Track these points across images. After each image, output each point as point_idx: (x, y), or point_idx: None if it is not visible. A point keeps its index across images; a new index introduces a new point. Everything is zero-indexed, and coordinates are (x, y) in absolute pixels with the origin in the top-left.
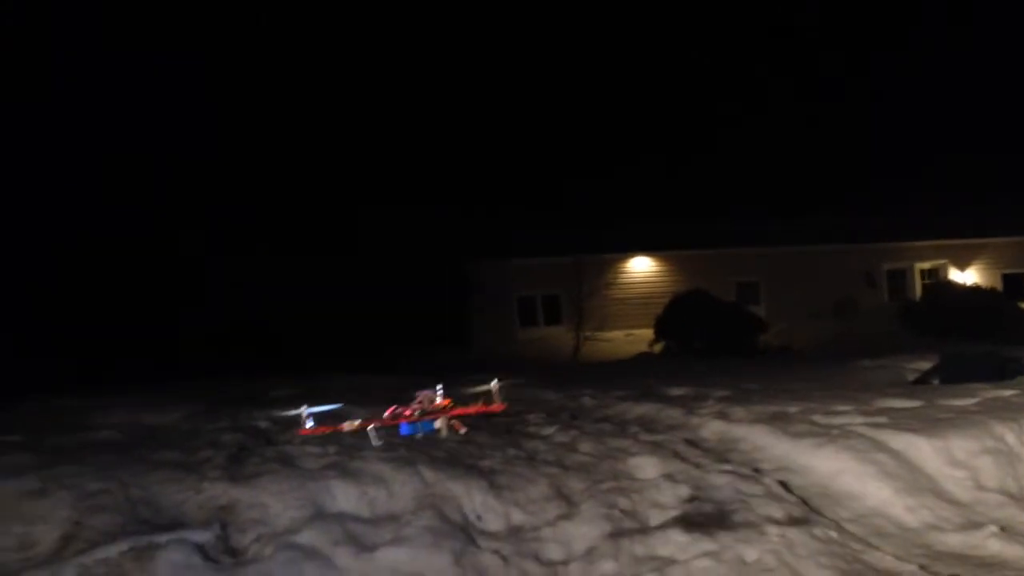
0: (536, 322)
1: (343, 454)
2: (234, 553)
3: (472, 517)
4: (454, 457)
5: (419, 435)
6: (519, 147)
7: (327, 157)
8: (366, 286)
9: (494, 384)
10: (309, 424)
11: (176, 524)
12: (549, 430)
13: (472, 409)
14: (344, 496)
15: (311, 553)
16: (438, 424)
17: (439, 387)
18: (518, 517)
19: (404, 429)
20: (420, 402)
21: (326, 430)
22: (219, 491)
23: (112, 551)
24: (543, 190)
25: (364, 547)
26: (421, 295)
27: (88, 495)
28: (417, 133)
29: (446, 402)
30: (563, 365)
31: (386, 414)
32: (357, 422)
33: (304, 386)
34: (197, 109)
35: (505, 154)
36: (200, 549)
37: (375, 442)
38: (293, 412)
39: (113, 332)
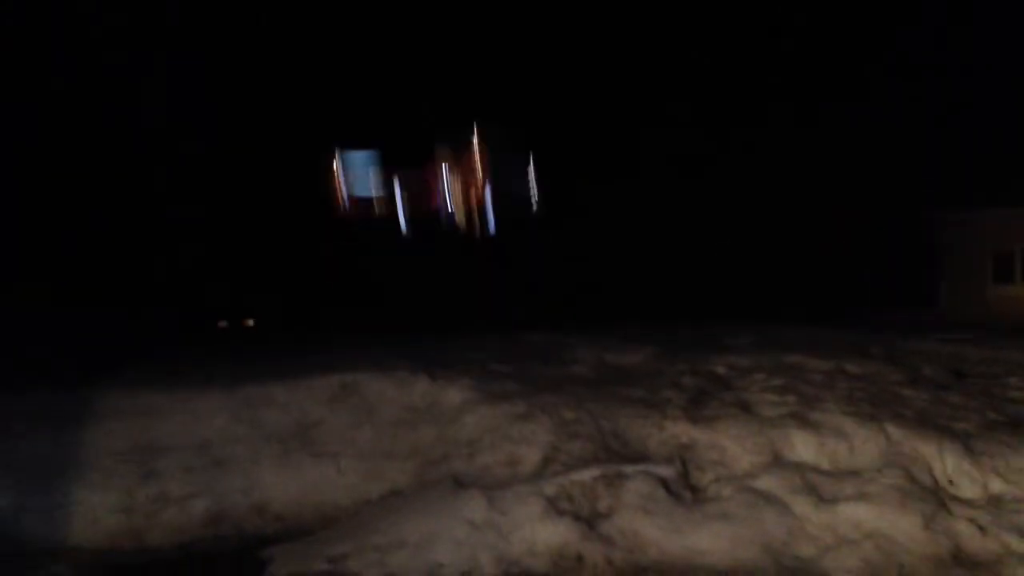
0: (1014, 279)
1: (802, 404)
2: (694, 490)
3: (944, 481)
4: (924, 416)
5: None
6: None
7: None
8: (819, 238)
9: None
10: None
11: (640, 457)
12: None
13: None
14: (803, 446)
15: (769, 498)
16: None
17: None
18: (998, 486)
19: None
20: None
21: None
22: (680, 430)
23: (585, 475)
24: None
25: (824, 499)
26: (876, 249)
27: (565, 423)
28: None
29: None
30: None
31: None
32: None
33: (759, 334)
34: None
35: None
36: (663, 483)
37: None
38: None
39: None
